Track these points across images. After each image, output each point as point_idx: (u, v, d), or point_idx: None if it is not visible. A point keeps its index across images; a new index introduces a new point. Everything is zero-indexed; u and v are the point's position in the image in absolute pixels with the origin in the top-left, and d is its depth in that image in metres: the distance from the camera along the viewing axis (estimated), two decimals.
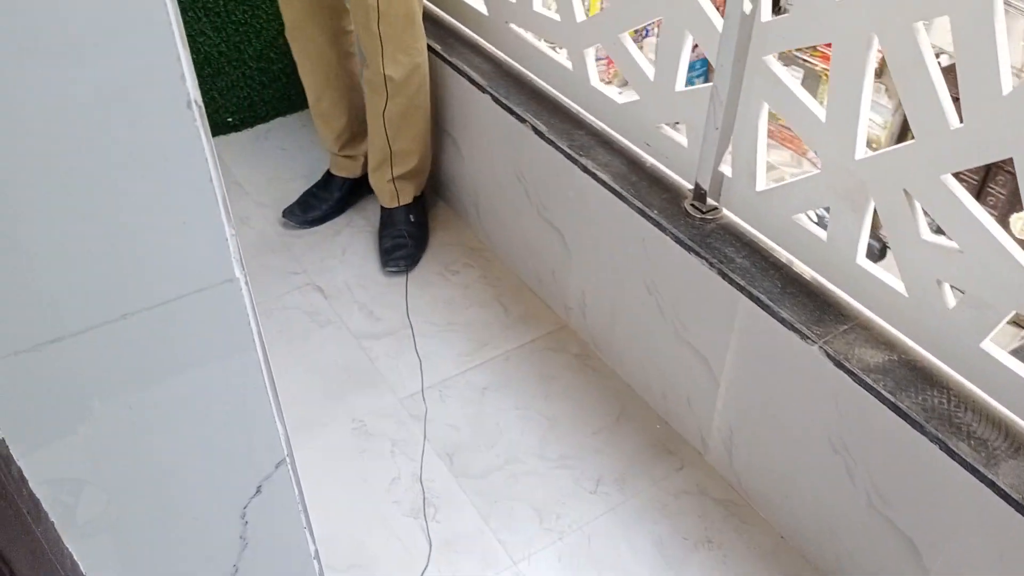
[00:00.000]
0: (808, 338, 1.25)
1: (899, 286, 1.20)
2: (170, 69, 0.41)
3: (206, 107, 2.41)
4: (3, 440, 0.46)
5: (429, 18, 2.07)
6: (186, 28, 2.28)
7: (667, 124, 1.54)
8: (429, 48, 1.98)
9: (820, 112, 1.23)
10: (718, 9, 1.33)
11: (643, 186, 1.55)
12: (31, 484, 0.47)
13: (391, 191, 2.01)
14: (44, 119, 0.39)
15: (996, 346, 1.12)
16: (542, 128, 1.70)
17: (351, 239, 2.13)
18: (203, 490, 0.56)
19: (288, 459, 0.60)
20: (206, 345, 0.51)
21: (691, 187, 1.50)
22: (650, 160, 1.60)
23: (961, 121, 1.04)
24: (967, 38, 1.00)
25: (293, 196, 2.22)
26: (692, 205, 1.49)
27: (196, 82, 0.44)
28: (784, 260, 1.38)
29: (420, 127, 1.97)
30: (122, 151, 0.42)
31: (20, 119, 0.39)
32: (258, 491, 0.59)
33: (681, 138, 1.51)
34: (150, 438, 0.53)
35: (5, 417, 0.45)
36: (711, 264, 1.39)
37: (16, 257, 0.42)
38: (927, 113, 1.07)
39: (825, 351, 1.23)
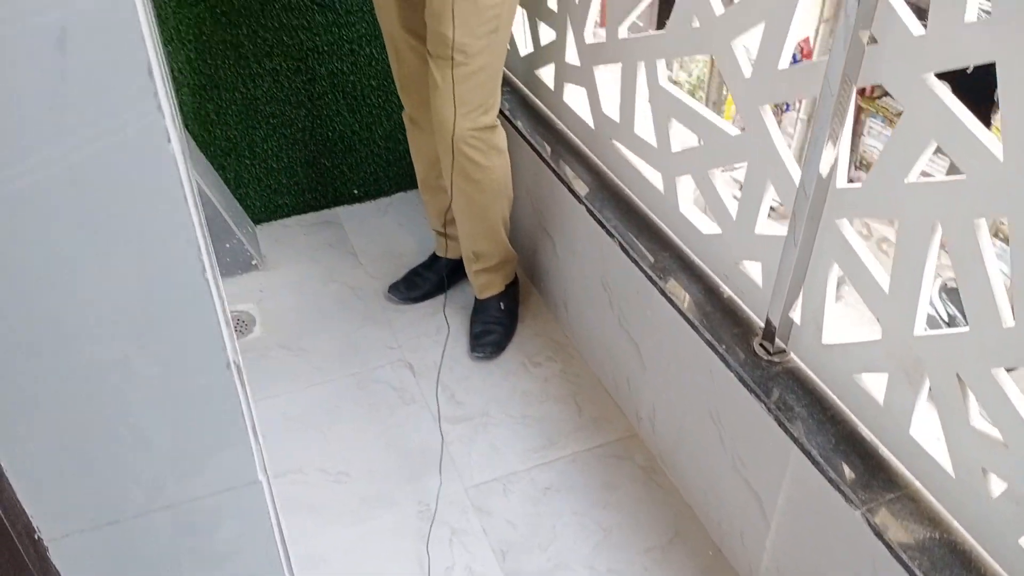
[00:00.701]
0: (852, 502, 1.26)
1: (947, 465, 1.20)
2: (214, 336, 0.53)
3: (336, 179, 2.63)
4: None
5: (543, 123, 2.20)
6: (324, 109, 2.50)
7: (746, 260, 1.59)
8: (535, 151, 2.11)
9: (884, 283, 1.25)
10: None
11: (716, 318, 1.60)
12: None
13: (480, 283, 2.14)
14: (120, 382, 0.52)
15: None
16: (628, 246, 1.78)
17: (447, 319, 2.26)
18: None
19: None
20: (235, 531, 0.62)
21: (763, 325, 1.54)
22: (727, 291, 1.64)
23: (1015, 320, 1.05)
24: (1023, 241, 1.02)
25: (402, 271, 2.39)
26: (761, 345, 1.52)
27: (236, 346, 0.55)
28: (843, 415, 1.39)
29: (495, 230, 2.06)
30: (180, 401, 0.54)
31: (98, 382, 0.52)
32: None
33: (757, 276, 1.56)
34: None
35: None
36: (769, 410, 1.42)
37: (88, 465, 0.55)
38: (983, 307, 1.09)
39: (867, 519, 1.24)
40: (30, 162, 0.48)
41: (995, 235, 1.32)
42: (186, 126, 2.36)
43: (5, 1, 0.41)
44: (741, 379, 1.48)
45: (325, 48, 2.41)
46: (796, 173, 1.38)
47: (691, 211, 1.72)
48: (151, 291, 0.50)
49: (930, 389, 1.21)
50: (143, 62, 0.44)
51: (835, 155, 1.29)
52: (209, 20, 2.25)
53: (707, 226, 1.67)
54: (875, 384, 1.35)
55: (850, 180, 1.31)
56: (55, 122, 0.46)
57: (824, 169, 1.31)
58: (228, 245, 2.39)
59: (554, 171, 2.04)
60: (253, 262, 2.45)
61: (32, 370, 0.52)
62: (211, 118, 2.39)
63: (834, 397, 1.41)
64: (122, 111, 0.46)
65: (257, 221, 2.62)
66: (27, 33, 0.41)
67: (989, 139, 1.05)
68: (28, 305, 0.51)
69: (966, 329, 1.12)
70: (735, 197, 1.56)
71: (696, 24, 1.53)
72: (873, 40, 1.17)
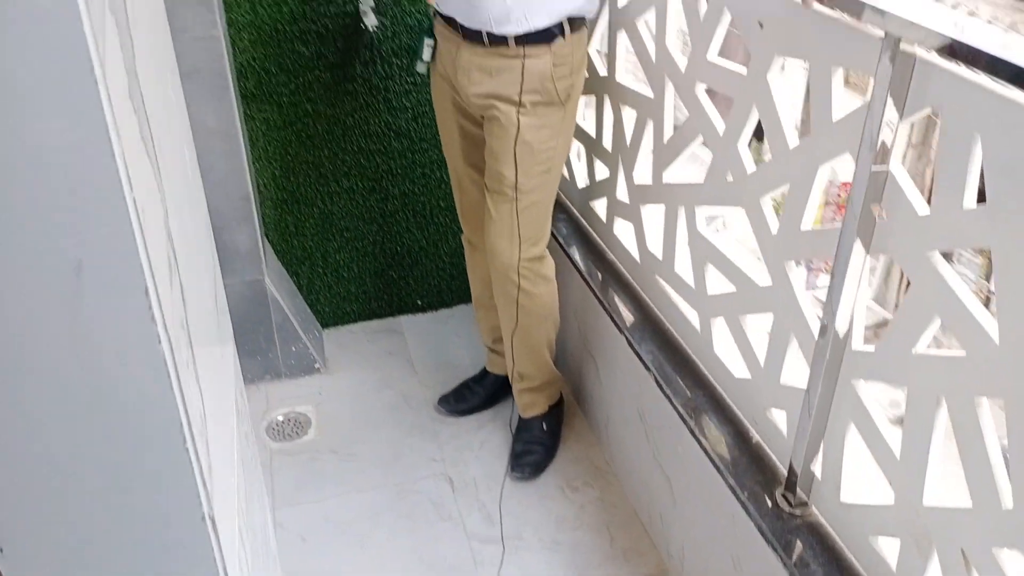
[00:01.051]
0: None
1: None
2: (191, 495, 0.62)
3: (401, 290, 2.77)
4: None
5: (595, 252, 2.29)
6: (395, 226, 2.67)
7: (773, 408, 1.61)
8: (584, 279, 2.19)
9: (896, 449, 1.26)
10: None
11: (743, 463, 1.61)
12: None
13: (524, 402, 2.20)
14: (104, 530, 0.61)
15: None
16: (663, 381, 1.82)
17: (491, 435, 2.32)
18: None
19: None
20: None
21: (787, 474, 1.54)
22: (756, 436, 1.66)
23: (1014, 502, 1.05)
24: (1020, 425, 1.03)
25: (454, 382, 2.47)
26: (783, 495, 1.53)
27: (211, 495, 0.64)
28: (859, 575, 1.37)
29: (539, 353, 2.13)
30: (160, 548, 0.63)
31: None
32: None
33: (783, 424, 1.57)
34: None
35: None
36: (786, 565, 1.41)
37: None
38: (982, 485, 1.09)
39: None
40: (47, 360, 0.59)
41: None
42: (266, 236, 2.55)
43: (40, 239, 0.52)
44: (761, 530, 1.48)
45: (399, 171, 2.59)
46: (816, 329, 1.42)
47: (725, 353, 1.76)
48: (135, 454, 0.59)
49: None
50: (141, 287, 0.55)
51: (850, 317, 1.33)
52: (295, 143, 2.46)
53: (739, 369, 1.70)
54: (890, 548, 1.33)
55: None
56: (71, 327, 0.57)
57: (841, 329, 1.34)
58: (294, 348, 2.54)
59: (600, 300, 2.12)
60: (316, 365, 2.58)
61: (25, 528, 0.63)
62: (290, 229, 2.58)
63: (851, 557, 1.40)
64: (124, 326, 0.57)
65: (325, 325, 2.77)
66: (52, 262, 0.52)
67: (987, 321, 1.07)
68: (33, 471, 0.61)
69: (969, 505, 1.12)
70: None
71: (730, 179, 1.61)
72: (883, 214, 1.22)
